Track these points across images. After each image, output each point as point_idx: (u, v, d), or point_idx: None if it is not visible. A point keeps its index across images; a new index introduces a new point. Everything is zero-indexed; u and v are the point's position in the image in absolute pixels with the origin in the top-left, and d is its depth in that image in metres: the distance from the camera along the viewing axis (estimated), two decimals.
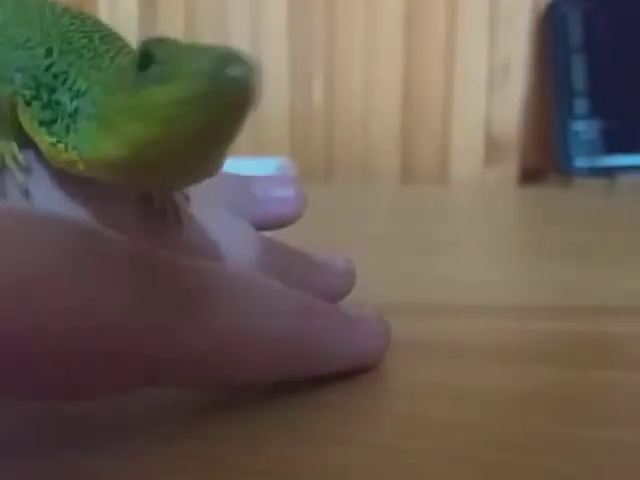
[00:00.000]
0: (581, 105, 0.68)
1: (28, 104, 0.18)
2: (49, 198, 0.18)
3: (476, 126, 0.72)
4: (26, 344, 0.13)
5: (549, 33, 0.70)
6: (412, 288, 0.32)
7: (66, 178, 0.18)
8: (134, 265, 0.16)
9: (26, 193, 0.17)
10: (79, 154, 0.16)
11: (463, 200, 0.66)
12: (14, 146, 0.18)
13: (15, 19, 0.20)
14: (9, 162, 0.18)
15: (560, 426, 0.18)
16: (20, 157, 0.18)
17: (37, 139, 0.18)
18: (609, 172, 0.66)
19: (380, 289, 0.29)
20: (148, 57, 0.14)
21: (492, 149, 0.72)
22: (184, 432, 0.18)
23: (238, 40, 0.73)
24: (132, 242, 0.16)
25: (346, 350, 0.21)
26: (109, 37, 0.19)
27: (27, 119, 0.18)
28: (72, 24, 0.19)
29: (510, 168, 0.72)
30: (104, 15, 0.72)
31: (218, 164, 0.16)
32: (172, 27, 0.74)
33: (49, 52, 0.18)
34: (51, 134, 0.17)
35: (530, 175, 0.71)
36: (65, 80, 0.17)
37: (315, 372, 0.20)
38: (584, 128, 0.67)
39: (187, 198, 0.20)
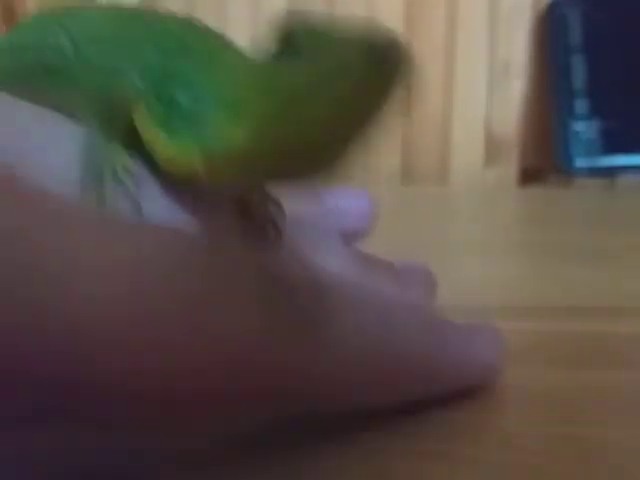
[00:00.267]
0: (581, 105, 0.68)
1: (147, 108, 0.17)
2: (157, 211, 0.16)
3: (476, 126, 0.72)
4: (211, 380, 0.13)
5: (549, 33, 0.69)
6: None
7: (172, 189, 0.17)
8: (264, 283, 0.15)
9: (137, 204, 0.16)
10: (202, 152, 0.15)
11: (463, 200, 0.66)
12: (125, 155, 0.17)
13: (123, 26, 0.19)
14: (120, 171, 0.16)
15: (560, 426, 0.18)
16: (132, 166, 0.17)
17: (154, 145, 0.16)
18: (609, 172, 0.66)
19: None
20: (287, 37, 0.14)
21: (492, 149, 0.72)
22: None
23: (237, 30, 0.73)
24: (260, 257, 0.15)
25: (467, 364, 0.20)
26: (212, 33, 0.18)
27: (145, 124, 0.17)
28: (174, 23, 0.19)
29: (510, 168, 0.72)
30: None
31: (343, 161, 0.15)
32: None
33: (164, 53, 0.17)
34: (172, 135, 0.16)
35: (530, 175, 0.71)
36: (184, 79, 0.17)
37: (440, 390, 0.19)
38: (584, 128, 0.67)
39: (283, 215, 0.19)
